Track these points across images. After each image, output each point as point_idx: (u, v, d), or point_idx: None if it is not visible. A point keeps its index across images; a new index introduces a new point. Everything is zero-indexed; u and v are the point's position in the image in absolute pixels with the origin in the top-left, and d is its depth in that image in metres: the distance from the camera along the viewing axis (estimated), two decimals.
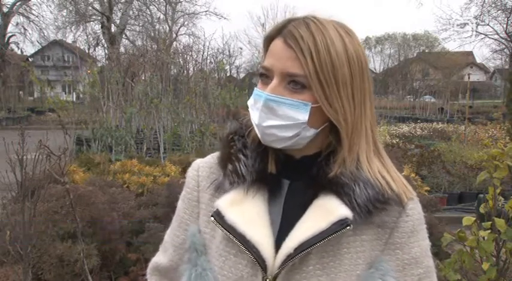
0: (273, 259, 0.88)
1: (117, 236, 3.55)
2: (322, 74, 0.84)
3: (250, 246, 0.87)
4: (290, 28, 0.87)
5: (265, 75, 0.90)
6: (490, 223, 2.12)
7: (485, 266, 2.08)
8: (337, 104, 0.86)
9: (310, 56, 0.84)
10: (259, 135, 0.90)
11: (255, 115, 0.90)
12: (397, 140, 11.76)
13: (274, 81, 0.87)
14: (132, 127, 9.75)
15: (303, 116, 0.86)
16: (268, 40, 0.92)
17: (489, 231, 2.09)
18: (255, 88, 0.92)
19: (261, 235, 0.89)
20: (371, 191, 0.88)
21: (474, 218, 2.12)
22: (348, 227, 0.85)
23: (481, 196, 5.79)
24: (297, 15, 0.91)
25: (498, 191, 2.26)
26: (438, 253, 4.09)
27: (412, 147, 10.58)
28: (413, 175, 7.11)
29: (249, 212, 0.91)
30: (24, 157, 2.84)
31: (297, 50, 0.85)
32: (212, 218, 0.92)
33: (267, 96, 0.87)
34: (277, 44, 0.88)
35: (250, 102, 0.93)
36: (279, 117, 0.87)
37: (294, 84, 0.86)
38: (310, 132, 0.89)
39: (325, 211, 0.87)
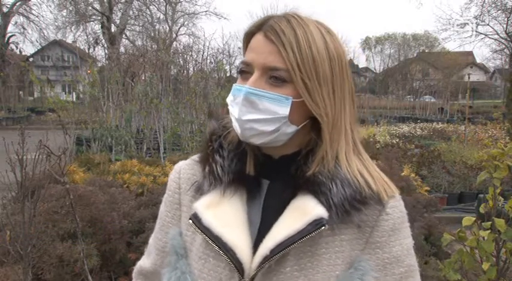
0: (250, 261, 0.87)
1: (117, 236, 3.55)
2: (303, 68, 0.84)
3: (226, 248, 0.86)
4: (271, 23, 0.86)
5: (245, 71, 0.89)
6: (490, 223, 2.12)
7: (485, 266, 2.08)
8: (318, 99, 0.85)
9: (291, 50, 0.83)
10: (238, 131, 0.88)
11: (234, 110, 0.88)
12: (397, 140, 11.76)
13: (255, 75, 0.86)
14: (132, 127, 9.76)
15: (284, 110, 0.85)
16: (249, 36, 0.91)
17: (489, 231, 2.09)
18: (234, 84, 0.91)
19: (238, 237, 0.88)
20: (348, 190, 0.86)
21: (474, 218, 2.12)
22: (323, 227, 0.84)
23: (481, 196, 5.80)
24: (277, 13, 0.90)
25: (498, 191, 2.25)
26: (438, 253, 4.09)
27: (412, 147, 10.58)
28: (413, 175, 7.12)
29: (225, 214, 0.90)
30: (24, 157, 2.84)
31: (279, 44, 0.84)
32: (190, 221, 0.90)
33: (248, 90, 0.86)
34: (258, 38, 0.88)
35: (229, 99, 0.91)
36: (259, 111, 0.86)
37: (275, 78, 0.85)
38: (291, 128, 0.88)
39: (302, 211, 0.86)
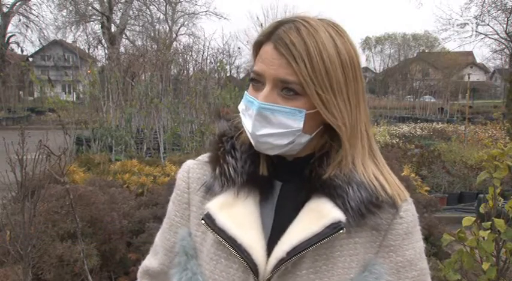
0: (265, 263, 0.86)
1: (117, 236, 3.55)
2: (316, 80, 0.82)
3: (241, 250, 0.86)
4: (280, 33, 0.84)
5: (257, 80, 0.88)
6: (490, 223, 2.12)
7: (485, 266, 2.08)
8: (334, 109, 0.85)
9: (303, 63, 0.82)
10: (253, 144, 0.89)
11: (248, 123, 0.88)
12: (397, 140, 11.75)
13: (267, 89, 0.85)
14: (132, 127, 9.75)
15: (298, 123, 0.85)
16: (258, 45, 0.90)
17: (489, 231, 2.09)
18: (246, 93, 0.90)
19: (252, 239, 0.87)
20: (364, 194, 0.86)
21: (474, 218, 2.11)
22: (341, 231, 0.84)
23: (481, 196, 5.80)
24: (286, 17, 0.88)
25: (498, 191, 2.25)
26: (438, 253, 4.09)
27: (412, 147, 10.58)
28: (413, 175, 7.12)
29: (240, 215, 0.90)
30: (24, 157, 2.84)
31: (289, 57, 0.82)
32: (203, 222, 0.90)
33: (261, 105, 0.84)
34: (268, 50, 0.86)
35: (241, 107, 0.91)
36: (273, 126, 0.85)
37: (287, 91, 0.84)
38: (305, 138, 0.88)
39: (318, 214, 0.86)
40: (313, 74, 0.82)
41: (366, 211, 0.86)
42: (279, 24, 0.87)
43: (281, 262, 0.84)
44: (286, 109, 0.84)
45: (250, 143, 0.91)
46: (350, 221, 0.85)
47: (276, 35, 0.85)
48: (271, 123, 0.85)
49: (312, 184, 0.89)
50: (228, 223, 0.88)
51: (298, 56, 0.82)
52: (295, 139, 0.86)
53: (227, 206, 0.91)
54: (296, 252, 0.84)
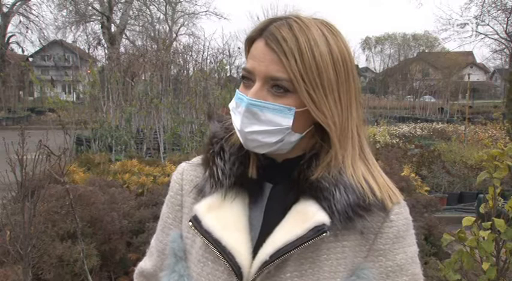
0: (249, 266, 0.86)
1: (117, 236, 3.55)
2: (307, 77, 0.81)
3: (226, 252, 0.85)
4: (272, 29, 0.83)
5: (247, 78, 0.87)
6: (490, 223, 2.12)
7: (485, 266, 2.08)
8: (324, 107, 0.83)
9: (294, 59, 0.81)
10: (241, 141, 0.87)
11: (237, 120, 0.86)
12: (397, 140, 11.74)
13: (257, 85, 0.84)
14: (132, 127, 9.76)
15: (287, 121, 0.83)
16: (250, 41, 0.88)
17: (489, 231, 2.09)
18: (237, 90, 0.89)
19: (238, 241, 0.87)
20: (351, 196, 0.84)
21: (474, 218, 2.11)
22: (324, 234, 0.82)
23: (481, 196, 5.80)
24: (279, 15, 0.87)
25: (498, 191, 2.25)
26: (438, 253, 4.10)
27: (412, 147, 10.57)
28: (413, 175, 7.11)
29: (226, 218, 0.89)
30: (24, 157, 2.84)
31: (280, 53, 0.81)
32: (190, 223, 0.89)
33: (250, 101, 0.83)
34: (259, 46, 0.85)
35: (232, 105, 0.89)
36: (262, 123, 0.84)
37: (277, 88, 0.83)
38: (295, 137, 0.86)
39: (303, 217, 0.84)
40: (303, 71, 0.81)
41: (353, 214, 0.84)
42: (271, 21, 0.86)
43: (264, 265, 0.83)
44: (275, 106, 0.83)
45: (239, 145, 0.91)
46: (336, 224, 0.84)
47: (268, 31, 0.84)
48: (260, 121, 0.84)
49: (300, 186, 0.88)
50: (213, 225, 0.87)
51: (289, 52, 0.81)
52: (285, 138, 0.85)
53: (214, 208, 0.90)
54: (279, 255, 0.83)
